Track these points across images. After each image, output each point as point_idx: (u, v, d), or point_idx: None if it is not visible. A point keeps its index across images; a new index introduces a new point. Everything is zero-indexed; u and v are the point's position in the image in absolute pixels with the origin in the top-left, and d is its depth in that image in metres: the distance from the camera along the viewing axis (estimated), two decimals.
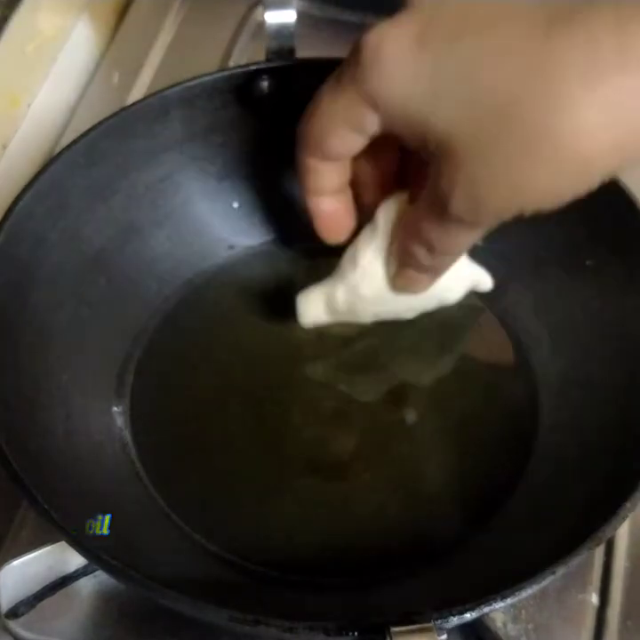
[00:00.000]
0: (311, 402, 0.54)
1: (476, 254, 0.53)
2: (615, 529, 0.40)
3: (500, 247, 0.55)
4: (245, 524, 0.49)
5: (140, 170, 0.56)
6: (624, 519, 0.40)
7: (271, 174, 0.60)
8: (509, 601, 0.37)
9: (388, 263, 0.49)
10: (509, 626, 0.46)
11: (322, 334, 0.55)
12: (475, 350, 0.57)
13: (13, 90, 0.67)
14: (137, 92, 0.69)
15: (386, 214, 0.49)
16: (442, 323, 0.55)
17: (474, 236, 0.43)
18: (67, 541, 0.39)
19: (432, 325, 0.55)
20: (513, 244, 0.55)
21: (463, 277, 0.53)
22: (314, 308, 0.52)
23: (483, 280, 0.54)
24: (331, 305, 0.52)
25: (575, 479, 0.47)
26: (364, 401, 0.54)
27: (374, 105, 0.40)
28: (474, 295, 0.55)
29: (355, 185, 0.49)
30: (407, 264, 0.47)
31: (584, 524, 0.40)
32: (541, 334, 0.55)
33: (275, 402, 0.54)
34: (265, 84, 0.56)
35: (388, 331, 0.55)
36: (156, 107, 0.55)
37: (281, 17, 0.54)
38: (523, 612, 0.46)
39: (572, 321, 0.54)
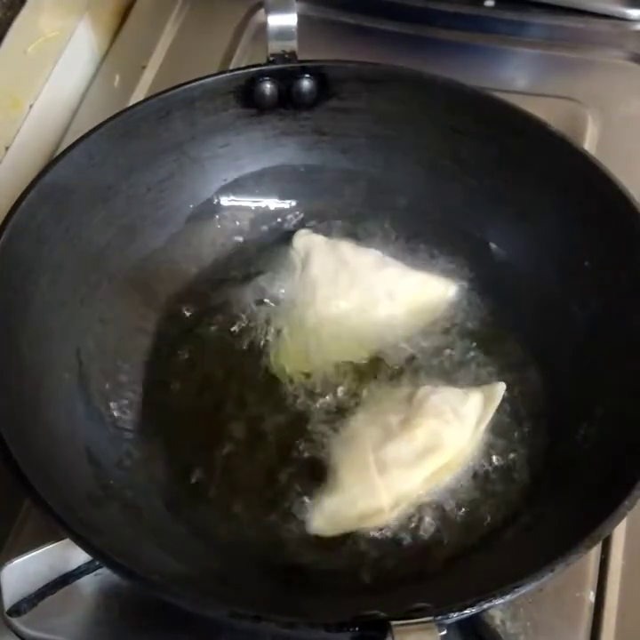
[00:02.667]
0: (314, 398, 0.54)
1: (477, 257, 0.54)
2: (612, 528, 0.41)
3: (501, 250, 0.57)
4: (247, 523, 0.49)
5: (141, 170, 0.56)
6: (621, 518, 0.40)
7: (272, 174, 0.61)
8: (508, 598, 0.37)
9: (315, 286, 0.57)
10: (508, 623, 0.46)
11: None
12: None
13: (15, 91, 0.67)
14: (138, 94, 0.69)
15: (300, 245, 0.59)
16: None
17: None
18: (71, 539, 0.39)
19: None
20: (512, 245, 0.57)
21: (433, 288, 0.58)
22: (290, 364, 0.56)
23: (449, 287, 0.58)
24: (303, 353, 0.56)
25: (574, 479, 0.48)
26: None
27: None
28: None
29: None
30: None
31: (582, 522, 0.41)
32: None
33: (277, 397, 0.54)
34: (266, 85, 0.56)
35: None
36: (157, 108, 0.55)
37: (282, 19, 0.54)
38: (521, 609, 0.46)
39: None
